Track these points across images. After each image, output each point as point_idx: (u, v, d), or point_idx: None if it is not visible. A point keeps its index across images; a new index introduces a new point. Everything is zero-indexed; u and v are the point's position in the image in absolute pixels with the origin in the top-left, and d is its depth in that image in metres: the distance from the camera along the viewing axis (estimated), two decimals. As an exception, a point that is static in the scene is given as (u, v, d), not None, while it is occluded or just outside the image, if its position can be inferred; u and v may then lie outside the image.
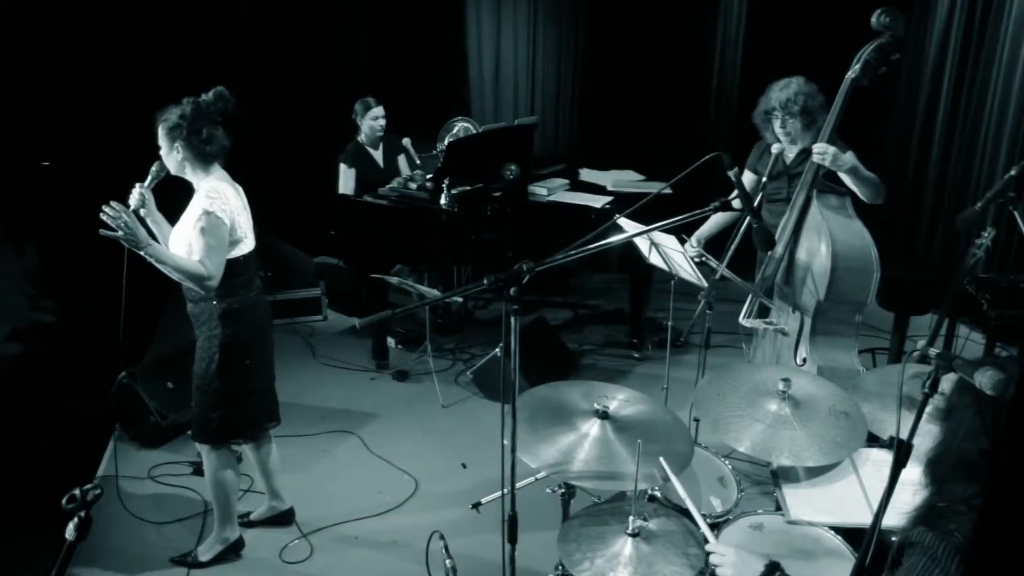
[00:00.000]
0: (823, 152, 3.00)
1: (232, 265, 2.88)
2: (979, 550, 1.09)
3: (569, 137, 7.11)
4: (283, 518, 3.48)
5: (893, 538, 1.59)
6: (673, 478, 2.18)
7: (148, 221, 2.93)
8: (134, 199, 2.86)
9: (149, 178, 2.90)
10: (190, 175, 2.90)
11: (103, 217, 2.64)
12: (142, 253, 2.72)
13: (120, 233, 2.64)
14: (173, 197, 3.02)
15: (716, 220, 3.67)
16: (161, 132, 2.83)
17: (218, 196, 2.80)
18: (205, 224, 2.77)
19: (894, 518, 1.59)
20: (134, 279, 2.88)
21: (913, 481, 1.58)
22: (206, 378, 2.97)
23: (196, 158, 2.85)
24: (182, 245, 2.85)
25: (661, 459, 2.21)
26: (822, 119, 3.17)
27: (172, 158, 2.85)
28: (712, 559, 1.92)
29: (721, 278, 3.12)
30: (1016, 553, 1.01)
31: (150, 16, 5.81)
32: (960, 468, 1.48)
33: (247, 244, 2.94)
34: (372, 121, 4.92)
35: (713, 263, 3.13)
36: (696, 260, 3.21)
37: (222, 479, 3.14)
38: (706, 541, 2.03)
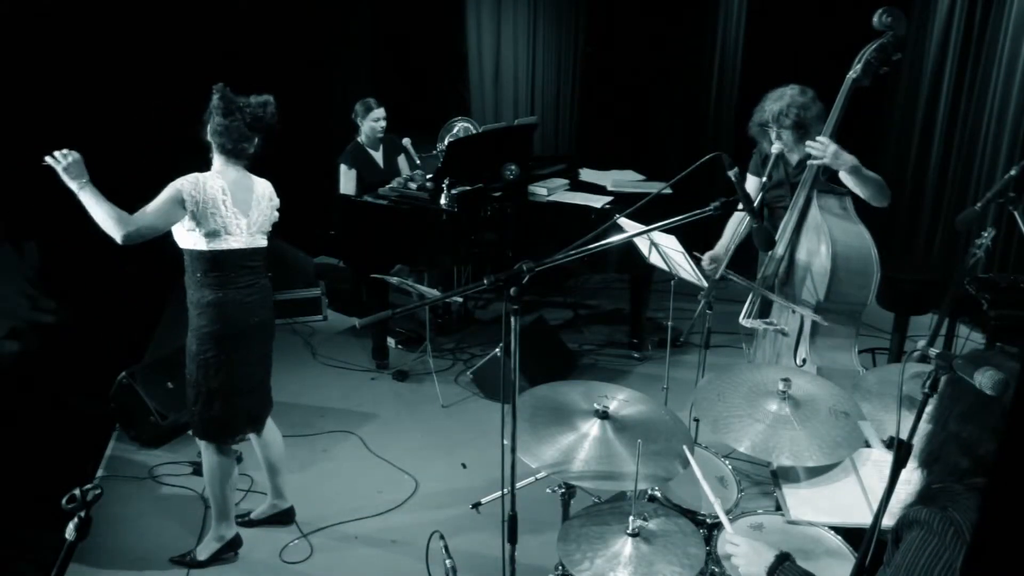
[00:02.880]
0: (823, 146, 2.96)
1: (211, 258, 2.93)
2: (980, 550, 1.09)
3: (569, 137, 7.12)
4: (284, 517, 3.48)
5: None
6: (693, 464, 2.22)
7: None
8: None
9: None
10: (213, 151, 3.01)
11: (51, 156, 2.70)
12: (75, 188, 2.74)
13: (62, 164, 2.70)
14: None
15: (730, 235, 3.54)
16: None
17: (196, 182, 2.87)
18: (167, 188, 2.85)
19: (894, 518, 1.60)
20: (135, 279, 2.89)
21: (913, 480, 1.59)
22: (189, 368, 3.05)
23: (211, 139, 2.97)
24: (183, 236, 2.92)
25: (684, 447, 2.26)
26: (816, 130, 3.13)
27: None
28: (727, 548, 1.96)
29: (721, 278, 3.11)
30: (1017, 554, 1.01)
31: (149, 16, 5.81)
32: (949, 446, 1.55)
33: (228, 242, 2.95)
34: (373, 123, 4.92)
35: (737, 279, 3.10)
36: (719, 278, 3.19)
37: (218, 476, 3.15)
38: (711, 538, 2.06)
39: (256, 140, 3.01)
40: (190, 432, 3.18)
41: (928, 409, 1.58)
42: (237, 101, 2.92)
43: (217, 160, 2.99)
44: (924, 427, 1.60)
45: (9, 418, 4.13)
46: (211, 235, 2.90)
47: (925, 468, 1.62)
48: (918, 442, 1.59)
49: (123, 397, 4.01)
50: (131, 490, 3.71)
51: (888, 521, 1.61)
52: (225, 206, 2.92)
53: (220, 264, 2.95)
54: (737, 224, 3.48)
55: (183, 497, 3.68)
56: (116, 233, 2.77)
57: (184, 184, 2.85)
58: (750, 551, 1.93)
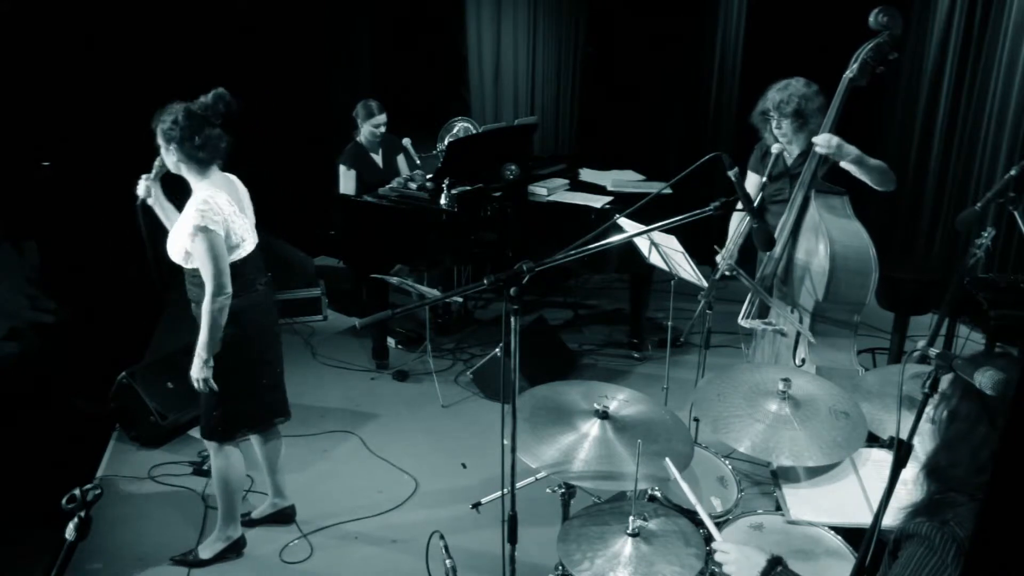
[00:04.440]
0: (827, 142, 2.98)
1: (234, 267, 2.91)
2: (980, 552, 1.09)
3: (569, 137, 7.11)
4: (284, 516, 3.48)
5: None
6: (678, 477, 2.19)
7: (156, 208, 3.05)
8: (141, 189, 2.99)
9: (153, 171, 3.00)
10: (186, 174, 2.92)
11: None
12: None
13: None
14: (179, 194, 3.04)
15: (732, 232, 3.58)
16: (157, 133, 2.87)
17: (209, 208, 2.80)
18: (202, 241, 2.79)
19: (893, 517, 1.60)
20: (134, 280, 2.89)
21: (913, 481, 1.58)
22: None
23: (190, 161, 2.87)
24: (179, 251, 2.89)
25: (667, 460, 2.22)
26: (815, 122, 3.15)
27: (169, 158, 2.90)
28: (716, 556, 1.94)
29: (721, 278, 3.12)
30: (1017, 555, 1.01)
31: (149, 16, 5.81)
32: (964, 464, 1.50)
33: (245, 247, 2.96)
34: (372, 127, 4.91)
35: (745, 279, 3.11)
36: (730, 273, 3.20)
37: (228, 477, 3.16)
38: (711, 539, 2.05)
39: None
40: (194, 432, 3.19)
41: (929, 411, 1.56)
42: (199, 113, 2.84)
43: (203, 171, 2.89)
44: (928, 435, 1.57)
45: (9, 418, 4.13)
46: (233, 247, 2.91)
47: (929, 478, 1.56)
48: (923, 452, 1.56)
49: (123, 397, 4.01)
50: (131, 490, 3.71)
51: (888, 521, 1.60)
52: (236, 216, 2.93)
53: (241, 271, 2.96)
54: (739, 223, 3.48)
55: (183, 497, 3.68)
56: (223, 301, 2.84)
57: (204, 219, 2.78)
58: (741, 557, 1.87)
